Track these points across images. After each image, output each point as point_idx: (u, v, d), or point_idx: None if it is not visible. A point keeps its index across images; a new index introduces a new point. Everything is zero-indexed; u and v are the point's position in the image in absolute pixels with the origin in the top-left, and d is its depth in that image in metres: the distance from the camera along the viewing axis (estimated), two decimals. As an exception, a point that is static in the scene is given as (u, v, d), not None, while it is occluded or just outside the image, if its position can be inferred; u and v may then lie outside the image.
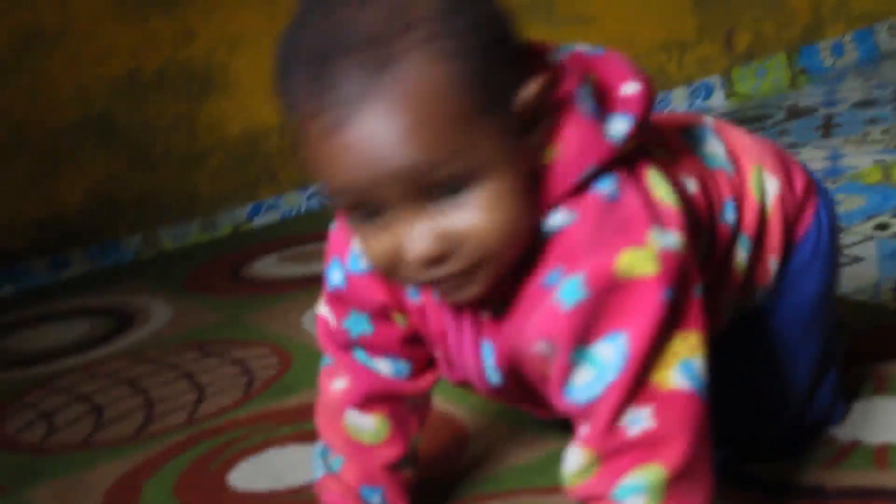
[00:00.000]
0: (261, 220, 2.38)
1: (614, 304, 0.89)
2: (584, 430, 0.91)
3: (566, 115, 0.90)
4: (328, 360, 1.10)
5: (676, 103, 2.55)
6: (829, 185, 1.89)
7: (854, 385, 1.24)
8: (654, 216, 0.91)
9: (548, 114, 0.90)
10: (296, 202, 2.40)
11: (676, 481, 0.90)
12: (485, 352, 0.99)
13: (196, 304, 1.98)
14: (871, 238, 1.65)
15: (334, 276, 1.04)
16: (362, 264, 1.01)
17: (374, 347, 1.06)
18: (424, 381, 1.09)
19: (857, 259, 1.59)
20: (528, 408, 1.08)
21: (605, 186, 0.91)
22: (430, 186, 0.85)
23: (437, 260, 0.88)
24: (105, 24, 2.23)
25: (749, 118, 2.43)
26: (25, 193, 2.24)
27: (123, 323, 1.96)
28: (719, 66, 2.58)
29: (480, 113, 0.86)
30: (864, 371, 1.28)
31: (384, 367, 1.07)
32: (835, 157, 2.05)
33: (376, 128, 0.84)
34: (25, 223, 2.25)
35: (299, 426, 1.41)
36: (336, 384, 1.09)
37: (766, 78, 2.59)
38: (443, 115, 0.84)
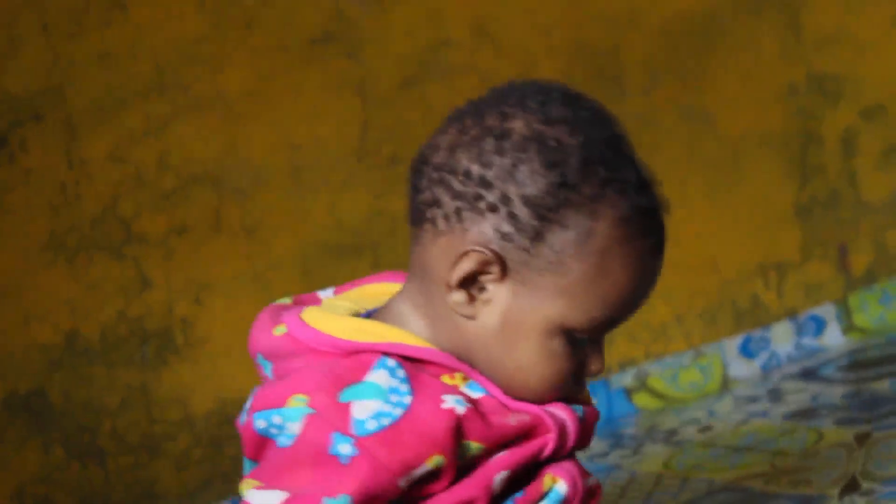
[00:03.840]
0: (241, 521, 2.04)
1: None
2: None
3: None
4: None
5: (779, 343, 2.30)
6: None
7: None
8: None
9: None
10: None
11: None
12: None
13: None
14: None
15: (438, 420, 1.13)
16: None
17: None
18: None
19: None
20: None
21: None
22: None
23: None
24: (35, 275, 2.01)
25: (875, 360, 2.20)
26: (-67, 499, 2.00)
27: None
28: (832, 293, 2.36)
29: None
30: None
31: None
32: None
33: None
34: (-65, 536, 1.99)
35: None
36: None
37: (893, 305, 2.37)
38: None
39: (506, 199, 1.11)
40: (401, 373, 1.13)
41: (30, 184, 2.01)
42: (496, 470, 1.15)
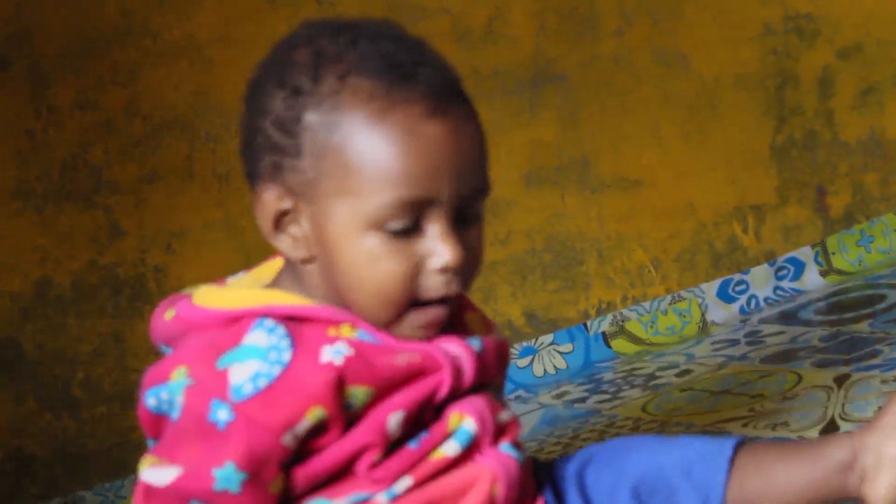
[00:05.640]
0: (217, 470, 2.05)
1: None
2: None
3: None
4: None
5: (757, 286, 2.29)
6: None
7: None
8: None
9: None
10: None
11: None
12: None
13: None
14: None
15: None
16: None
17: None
18: None
19: None
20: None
21: None
22: (465, 209, 1.12)
23: (460, 271, 1.12)
24: (4, 224, 2.02)
25: (853, 303, 2.17)
26: None
27: None
28: (811, 235, 2.35)
29: None
30: None
31: None
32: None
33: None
34: None
35: None
36: None
37: (872, 247, 2.36)
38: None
39: (261, 132, 1.14)
40: (281, 330, 1.13)
41: (-3, 131, 2.01)
42: (388, 411, 1.15)
